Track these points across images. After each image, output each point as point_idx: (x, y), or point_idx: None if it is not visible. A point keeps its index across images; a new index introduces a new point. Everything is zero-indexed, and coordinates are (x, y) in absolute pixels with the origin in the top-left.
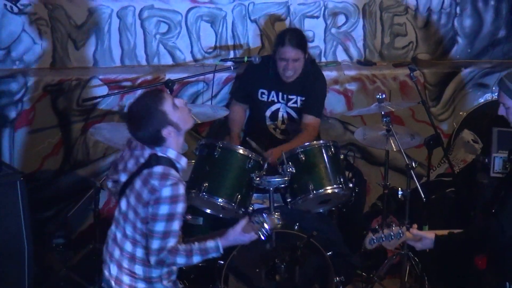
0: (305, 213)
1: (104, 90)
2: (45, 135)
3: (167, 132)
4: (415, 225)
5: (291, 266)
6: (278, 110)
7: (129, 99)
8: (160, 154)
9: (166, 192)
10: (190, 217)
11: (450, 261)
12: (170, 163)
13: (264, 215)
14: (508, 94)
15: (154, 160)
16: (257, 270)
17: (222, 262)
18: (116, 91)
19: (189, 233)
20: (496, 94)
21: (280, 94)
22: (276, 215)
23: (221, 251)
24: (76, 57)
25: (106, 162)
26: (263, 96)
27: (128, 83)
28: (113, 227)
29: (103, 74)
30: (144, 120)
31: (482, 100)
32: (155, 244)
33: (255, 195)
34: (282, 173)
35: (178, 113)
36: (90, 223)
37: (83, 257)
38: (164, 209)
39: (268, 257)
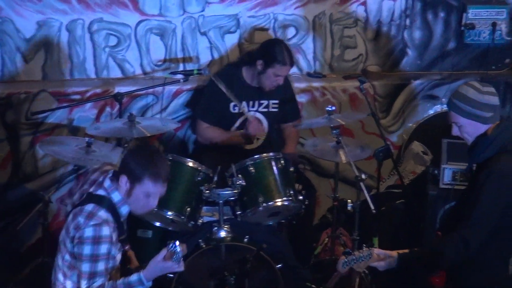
0: (255, 226)
1: (53, 104)
2: None
3: (124, 181)
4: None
5: (241, 278)
6: (246, 119)
7: (78, 112)
8: (100, 193)
9: (88, 232)
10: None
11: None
12: (108, 204)
13: (176, 243)
14: (458, 112)
15: (88, 198)
16: (207, 282)
17: (172, 276)
18: (65, 104)
19: (138, 247)
20: (445, 106)
21: (251, 102)
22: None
23: (145, 283)
24: (25, 70)
25: (55, 175)
26: (235, 108)
27: (77, 96)
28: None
29: (52, 87)
30: (136, 158)
31: (432, 112)
32: (83, 284)
33: (204, 208)
34: (231, 186)
35: (142, 198)
36: (39, 237)
37: (31, 271)
38: (87, 250)
39: (217, 270)
